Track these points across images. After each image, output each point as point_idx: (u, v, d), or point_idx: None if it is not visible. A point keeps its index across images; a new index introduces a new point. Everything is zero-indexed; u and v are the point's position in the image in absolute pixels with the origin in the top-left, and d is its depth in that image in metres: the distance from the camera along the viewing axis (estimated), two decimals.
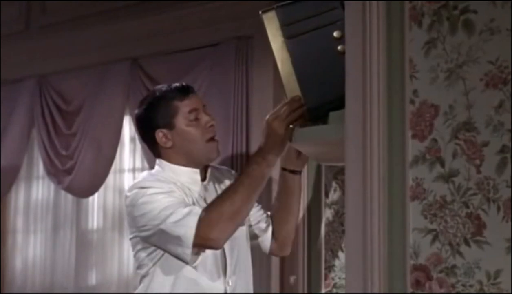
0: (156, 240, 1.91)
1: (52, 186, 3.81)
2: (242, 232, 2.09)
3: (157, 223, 1.87)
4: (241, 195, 1.86)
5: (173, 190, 1.93)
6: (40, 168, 3.86)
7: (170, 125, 2.00)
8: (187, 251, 1.84)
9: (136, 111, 2.10)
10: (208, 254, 1.95)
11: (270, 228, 2.21)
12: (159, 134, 2.01)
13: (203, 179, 2.06)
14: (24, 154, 3.86)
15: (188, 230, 1.82)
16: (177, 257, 1.89)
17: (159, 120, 2.01)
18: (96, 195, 3.62)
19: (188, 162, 2.03)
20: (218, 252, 1.99)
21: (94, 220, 3.73)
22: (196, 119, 2.02)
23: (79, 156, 3.55)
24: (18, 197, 4.01)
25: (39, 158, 3.79)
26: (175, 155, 2.03)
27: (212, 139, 2.03)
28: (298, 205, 2.23)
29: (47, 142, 3.70)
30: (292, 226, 2.23)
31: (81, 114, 3.59)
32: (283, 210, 2.20)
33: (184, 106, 2.01)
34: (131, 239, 2.02)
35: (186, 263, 1.89)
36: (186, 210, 1.86)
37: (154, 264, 1.96)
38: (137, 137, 3.38)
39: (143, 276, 1.99)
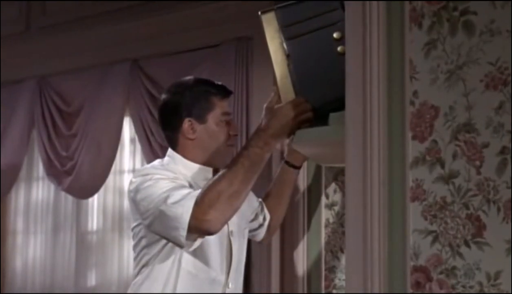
0: (157, 225, 1.85)
1: (52, 187, 3.81)
2: (246, 234, 2.11)
3: (158, 206, 1.82)
4: (240, 178, 1.80)
5: (178, 178, 1.90)
6: (40, 168, 3.86)
7: (202, 119, 1.98)
8: (182, 233, 1.77)
9: (166, 95, 2.04)
10: (213, 251, 1.94)
11: (268, 220, 2.27)
12: (187, 123, 1.98)
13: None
14: (24, 155, 3.86)
15: (185, 210, 1.76)
16: (174, 242, 1.84)
17: (193, 109, 1.98)
18: (96, 196, 3.62)
19: (204, 159, 2.00)
20: (225, 249, 1.98)
21: (94, 221, 3.73)
22: (227, 123, 2.01)
23: (79, 156, 3.55)
24: (18, 198, 4.02)
25: (39, 159, 3.79)
26: (193, 148, 1.99)
27: (231, 146, 2.04)
28: (289, 196, 2.33)
29: (47, 143, 3.70)
30: (280, 214, 2.33)
31: (81, 115, 3.59)
32: (275, 199, 2.29)
33: (220, 107, 2.00)
34: (133, 228, 1.98)
35: (181, 246, 1.84)
36: (186, 191, 1.82)
37: (155, 254, 1.93)
38: (137, 138, 3.39)
39: (143, 266, 1.96)
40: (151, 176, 1.89)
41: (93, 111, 3.51)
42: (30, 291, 3.89)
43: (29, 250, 3.93)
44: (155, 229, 1.88)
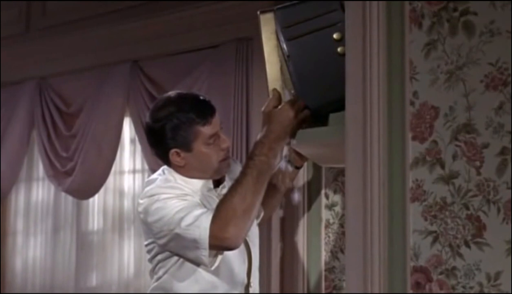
0: (173, 245, 1.87)
1: (52, 187, 3.81)
2: (257, 231, 2.12)
3: (172, 228, 1.82)
4: (251, 189, 1.80)
5: (186, 193, 1.90)
6: (40, 169, 3.86)
7: (188, 149, 1.93)
8: (205, 253, 1.79)
9: (149, 121, 1.97)
10: (235, 255, 1.94)
11: (261, 216, 2.25)
12: (174, 154, 1.94)
13: (217, 185, 2.02)
14: (24, 156, 3.87)
15: (202, 231, 1.78)
16: (195, 261, 1.87)
17: (176, 142, 1.92)
18: (96, 196, 3.63)
19: (200, 177, 1.99)
20: (245, 250, 1.99)
21: (94, 222, 3.74)
22: (214, 142, 1.95)
23: (79, 157, 3.56)
24: (18, 199, 4.02)
25: (39, 160, 3.80)
26: (186, 171, 1.97)
27: (225, 159, 1.99)
28: (283, 193, 2.32)
29: (47, 144, 3.70)
30: (272, 209, 2.33)
31: (81, 116, 3.59)
32: (270, 192, 2.19)
33: (205, 131, 1.92)
34: (147, 245, 1.99)
35: (205, 265, 1.86)
36: (199, 211, 1.82)
37: (171, 267, 1.94)
38: (137, 138, 3.39)
39: (159, 278, 1.97)
40: (158, 196, 1.88)
41: (93, 112, 3.52)
42: (30, 291, 3.89)
43: (29, 251, 3.94)
44: (170, 248, 1.90)
